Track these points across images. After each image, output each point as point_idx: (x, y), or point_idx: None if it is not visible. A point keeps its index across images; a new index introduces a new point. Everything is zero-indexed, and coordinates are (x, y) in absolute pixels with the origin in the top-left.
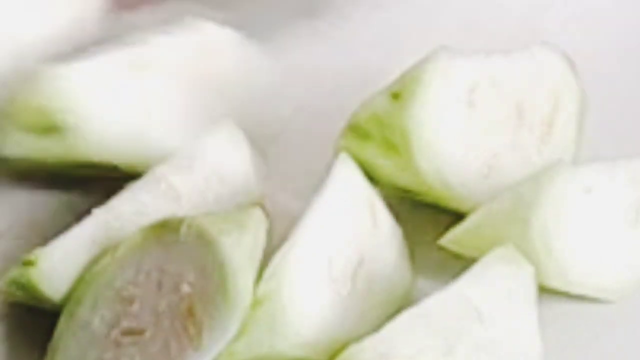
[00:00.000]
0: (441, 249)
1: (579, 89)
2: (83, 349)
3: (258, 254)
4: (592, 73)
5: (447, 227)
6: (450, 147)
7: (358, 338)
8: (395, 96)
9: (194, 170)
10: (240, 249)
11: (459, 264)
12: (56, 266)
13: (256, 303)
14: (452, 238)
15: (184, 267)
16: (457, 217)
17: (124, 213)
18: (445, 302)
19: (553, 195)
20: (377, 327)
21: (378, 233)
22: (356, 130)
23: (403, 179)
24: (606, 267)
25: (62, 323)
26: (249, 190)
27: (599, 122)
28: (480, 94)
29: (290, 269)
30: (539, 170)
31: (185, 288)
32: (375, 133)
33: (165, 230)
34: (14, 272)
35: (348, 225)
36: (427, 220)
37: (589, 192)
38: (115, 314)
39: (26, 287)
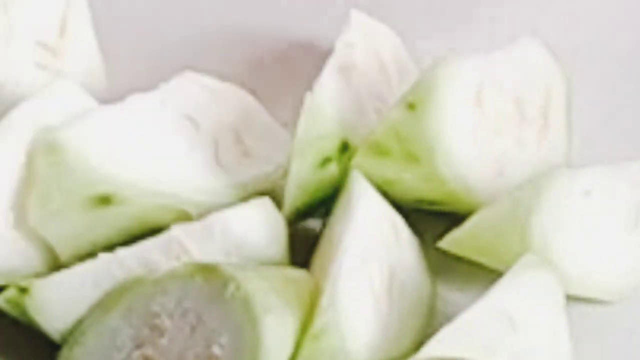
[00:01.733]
0: (440, 251)
1: (564, 78)
2: (104, 353)
3: (296, 332)
4: (590, 73)
5: (446, 230)
6: (467, 150)
7: (399, 352)
8: (411, 107)
9: (214, 239)
10: (281, 330)
11: (459, 267)
12: (51, 299)
13: (314, 338)
14: (452, 241)
15: (221, 326)
16: (456, 220)
17: (130, 264)
18: (481, 314)
19: (552, 198)
20: (413, 340)
21: (401, 246)
22: (374, 148)
23: (423, 190)
24: (606, 269)
25: (87, 322)
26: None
27: (598, 123)
28: (486, 93)
29: (343, 298)
30: (538, 171)
31: (216, 350)
32: (394, 147)
33: (212, 277)
34: (11, 293)
35: (378, 242)
36: (426, 223)
37: (588, 195)
38: (143, 336)
39: (23, 312)
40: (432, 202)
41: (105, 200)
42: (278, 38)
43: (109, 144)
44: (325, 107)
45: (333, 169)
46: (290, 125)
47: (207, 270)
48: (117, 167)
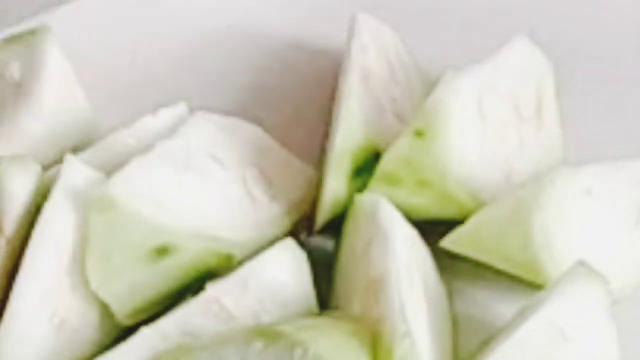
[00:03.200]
0: (443, 250)
1: (550, 69)
2: None
3: None
4: (590, 72)
5: (447, 229)
6: (477, 166)
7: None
8: (419, 134)
9: (248, 290)
10: None
11: (459, 265)
12: None
13: None
14: (454, 240)
15: None
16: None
17: (172, 334)
18: (535, 329)
19: (553, 197)
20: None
21: (425, 261)
22: (386, 178)
23: (435, 211)
24: (607, 266)
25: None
26: (307, 311)
27: (599, 122)
28: (486, 103)
29: (412, 324)
30: (541, 166)
31: None
32: (405, 175)
33: (273, 341)
34: None
35: (413, 262)
36: (428, 222)
37: (589, 193)
38: None
39: None
40: (443, 220)
41: (162, 252)
42: (279, 39)
43: (155, 193)
44: (357, 114)
45: (365, 180)
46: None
47: (267, 335)
48: (167, 216)
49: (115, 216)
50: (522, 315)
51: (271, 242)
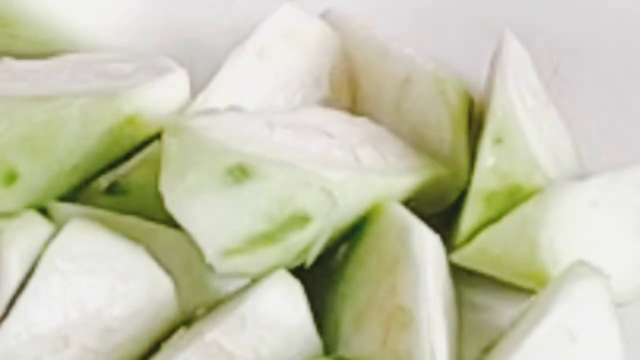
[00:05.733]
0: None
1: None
2: None
3: None
4: (594, 78)
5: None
6: (545, 154)
7: None
8: (499, 140)
9: (247, 328)
10: None
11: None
12: None
13: None
14: (463, 255)
15: None
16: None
17: None
18: (546, 332)
19: (560, 211)
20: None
21: (443, 272)
22: (481, 196)
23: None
24: (615, 276)
25: None
26: (306, 341)
27: (602, 129)
28: (524, 95)
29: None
30: (568, 141)
31: None
32: (497, 187)
33: None
34: None
35: (439, 282)
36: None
37: (595, 205)
38: None
39: None
40: None
41: (240, 174)
42: None
43: (240, 127)
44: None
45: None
46: None
47: None
48: (248, 143)
49: (190, 137)
50: (527, 318)
51: (374, 194)
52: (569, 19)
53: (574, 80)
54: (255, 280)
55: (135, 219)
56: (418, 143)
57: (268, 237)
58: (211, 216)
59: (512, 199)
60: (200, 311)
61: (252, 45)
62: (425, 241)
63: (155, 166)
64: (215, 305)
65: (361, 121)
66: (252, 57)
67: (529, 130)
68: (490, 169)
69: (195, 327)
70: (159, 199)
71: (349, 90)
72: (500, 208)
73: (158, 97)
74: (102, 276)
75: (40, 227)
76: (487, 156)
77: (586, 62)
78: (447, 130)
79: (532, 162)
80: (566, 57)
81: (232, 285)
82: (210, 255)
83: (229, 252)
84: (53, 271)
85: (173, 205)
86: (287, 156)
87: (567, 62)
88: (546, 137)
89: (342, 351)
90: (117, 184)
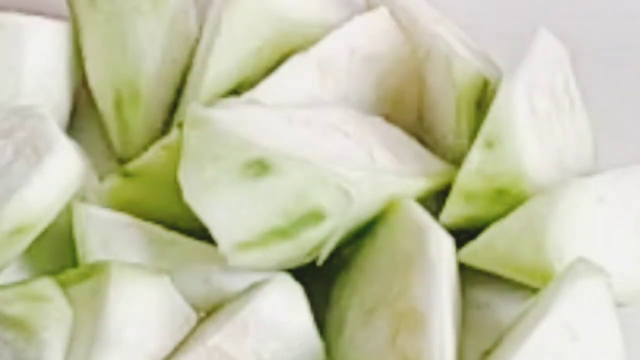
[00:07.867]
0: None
1: (568, 59)
2: None
3: None
4: (600, 78)
5: (464, 242)
6: (542, 163)
7: None
8: (490, 145)
9: (249, 333)
10: None
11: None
12: None
13: None
14: (469, 253)
15: None
16: (471, 234)
17: None
18: (549, 331)
19: (566, 209)
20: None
21: (454, 275)
22: (462, 195)
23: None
24: (620, 273)
25: None
26: (308, 346)
27: (609, 126)
28: (534, 99)
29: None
30: (584, 148)
31: None
32: (481, 188)
33: None
34: None
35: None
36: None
37: (601, 202)
38: None
39: None
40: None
41: (259, 169)
42: None
43: (260, 121)
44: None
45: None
46: None
47: None
48: (267, 138)
49: (210, 129)
50: (529, 316)
51: (389, 194)
52: (571, 19)
53: (582, 79)
54: (255, 285)
55: (158, 228)
56: (425, 128)
57: (283, 233)
58: (228, 209)
59: (495, 201)
60: (201, 315)
61: (316, 54)
62: (442, 244)
63: (175, 155)
64: (216, 309)
65: (377, 121)
66: (313, 66)
67: (525, 137)
68: (475, 171)
69: (197, 332)
70: (175, 187)
71: (413, 107)
72: (480, 209)
73: (43, 193)
74: None
75: None
76: (474, 158)
77: (587, 62)
78: (451, 115)
79: (521, 170)
80: (573, 56)
81: (235, 288)
82: (224, 247)
83: (243, 246)
84: None
85: (191, 196)
86: (305, 153)
87: (576, 62)
88: (552, 144)
89: (345, 347)
90: (133, 170)
